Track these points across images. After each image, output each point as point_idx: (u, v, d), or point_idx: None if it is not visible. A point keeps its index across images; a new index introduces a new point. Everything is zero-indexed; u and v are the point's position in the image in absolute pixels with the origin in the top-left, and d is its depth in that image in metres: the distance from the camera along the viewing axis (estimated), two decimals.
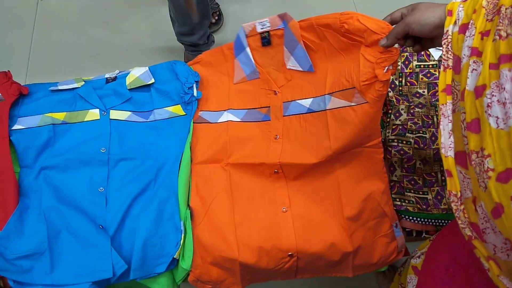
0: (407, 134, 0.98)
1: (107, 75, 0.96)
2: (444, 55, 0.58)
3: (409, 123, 0.99)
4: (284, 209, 0.86)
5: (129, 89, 0.93)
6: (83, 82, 0.94)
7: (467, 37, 0.55)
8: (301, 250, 0.82)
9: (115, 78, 0.95)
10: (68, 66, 1.54)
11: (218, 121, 0.93)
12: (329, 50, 0.85)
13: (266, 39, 0.90)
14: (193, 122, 0.93)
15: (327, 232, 0.84)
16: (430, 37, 0.67)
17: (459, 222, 0.54)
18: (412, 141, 0.97)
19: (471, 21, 0.55)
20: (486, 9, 0.54)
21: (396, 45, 0.72)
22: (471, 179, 0.52)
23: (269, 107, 0.92)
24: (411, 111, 1.00)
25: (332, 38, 0.82)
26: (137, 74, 0.94)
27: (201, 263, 0.83)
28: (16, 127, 0.89)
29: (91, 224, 0.82)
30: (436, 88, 1.01)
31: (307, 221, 0.85)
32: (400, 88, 1.04)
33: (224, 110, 0.94)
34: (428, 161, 0.96)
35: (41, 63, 1.56)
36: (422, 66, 1.04)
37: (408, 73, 1.05)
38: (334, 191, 0.86)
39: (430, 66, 1.04)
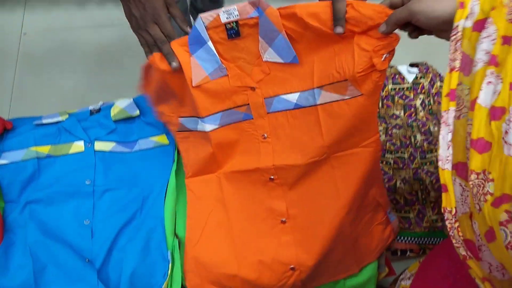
0: (386, 155, 1.01)
1: (91, 107, 0.97)
2: (451, 54, 0.51)
3: (388, 144, 1.02)
4: (282, 220, 0.83)
5: (114, 121, 0.94)
6: (67, 115, 0.95)
7: (483, 38, 0.48)
8: (302, 262, 0.79)
9: (99, 110, 0.96)
10: (52, 100, 1.54)
11: (198, 129, 0.84)
12: (314, 40, 0.73)
13: (234, 30, 0.74)
14: (176, 131, 0.88)
15: (327, 241, 0.80)
16: (436, 30, 0.59)
17: (454, 241, 0.51)
18: (392, 161, 1.00)
19: (490, 19, 0.48)
20: (507, 8, 0.47)
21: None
22: (470, 193, 0.47)
23: (248, 104, 0.82)
24: (389, 132, 1.04)
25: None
26: (121, 105, 0.94)
27: (200, 282, 0.81)
28: (0, 162, 0.89)
29: (77, 257, 0.81)
30: (411, 109, 1.05)
31: (306, 232, 0.81)
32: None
33: (197, 117, 0.83)
34: (408, 181, 0.99)
35: (25, 97, 1.56)
36: (397, 89, 1.09)
37: (384, 96, 1.09)
38: (333, 199, 0.81)
39: (405, 88, 1.08)
